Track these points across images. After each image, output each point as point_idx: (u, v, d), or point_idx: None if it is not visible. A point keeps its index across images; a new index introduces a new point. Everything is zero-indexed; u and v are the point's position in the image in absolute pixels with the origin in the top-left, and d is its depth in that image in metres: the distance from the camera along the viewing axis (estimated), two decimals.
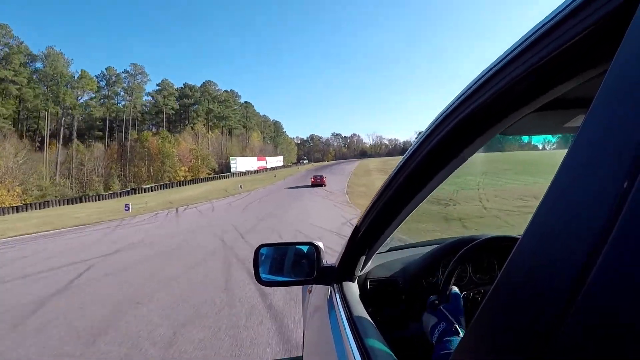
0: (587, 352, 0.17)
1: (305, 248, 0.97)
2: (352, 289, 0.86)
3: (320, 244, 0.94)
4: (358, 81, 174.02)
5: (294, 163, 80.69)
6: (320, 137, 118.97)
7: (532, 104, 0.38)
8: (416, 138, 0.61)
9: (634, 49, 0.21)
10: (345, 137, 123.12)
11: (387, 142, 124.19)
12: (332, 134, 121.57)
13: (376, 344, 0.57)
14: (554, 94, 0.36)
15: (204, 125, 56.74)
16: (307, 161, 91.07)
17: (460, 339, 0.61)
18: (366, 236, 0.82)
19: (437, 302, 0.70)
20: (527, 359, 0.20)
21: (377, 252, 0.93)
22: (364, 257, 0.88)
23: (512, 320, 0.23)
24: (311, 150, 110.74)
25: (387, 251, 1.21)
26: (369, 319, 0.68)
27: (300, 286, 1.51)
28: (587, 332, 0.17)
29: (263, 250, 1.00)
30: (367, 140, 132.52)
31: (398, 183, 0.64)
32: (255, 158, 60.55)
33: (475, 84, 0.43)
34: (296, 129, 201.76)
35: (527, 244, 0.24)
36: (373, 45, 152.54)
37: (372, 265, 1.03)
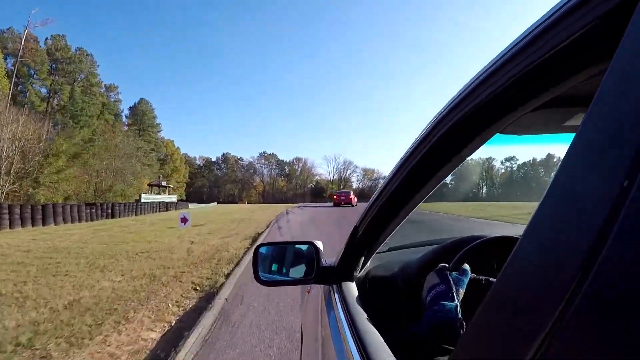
0: (587, 352, 0.17)
1: (304, 248, 0.97)
2: (351, 288, 0.86)
3: (320, 244, 0.94)
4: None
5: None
6: (241, 159, 68.13)
7: (531, 102, 0.38)
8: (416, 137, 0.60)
9: (633, 47, 0.20)
10: (282, 161, 69.36)
11: (359, 172, 70.85)
12: (260, 155, 68.40)
13: (375, 344, 0.56)
14: (554, 93, 0.36)
15: None
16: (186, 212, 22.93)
17: (454, 305, 0.63)
18: (365, 236, 0.82)
19: (446, 268, 0.71)
20: (527, 358, 0.20)
21: (376, 251, 0.93)
22: (363, 257, 0.88)
23: (512, 320, 0.23)
24: (220, 180, 65.37)
25: (387, 251, 1.22)
26: (368, 319, 0.68)
27: (299, 286, 1.48)
28: (588, 332, 0.17)
29: (262, 250, 1.00)
30: (327, 169, 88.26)
31: (397, 182, 0.64)
32: None
33: (474, 82, 0.43)
34: (200, 146, 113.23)
35: (527, 244, 0.24)
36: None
37: (372, 265, 1.03)
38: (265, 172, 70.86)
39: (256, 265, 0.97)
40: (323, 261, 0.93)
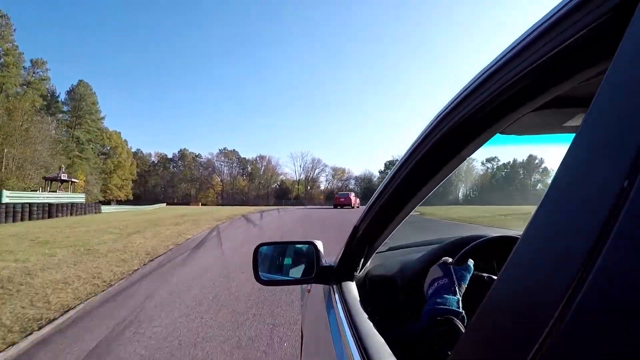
0: (587, 352, 0.17)
1: (304, 247, 0.97)
2: (351, 288, 0.86)
3: (320, 243, 0.94)
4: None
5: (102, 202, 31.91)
6: (199, 156, 62.53)
7: (531, 102, 0.38)
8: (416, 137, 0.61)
9: (633, 47, 0.21)
10: (244, 159, 63.05)
11: (328, 172, 63.99)
12: (220, 151, 62.17)
13: (375, 343, 0.56)
14: (554, 93, 0.36)
15: None
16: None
17: (456, 299, 0.63)
18: (365, 235, 0.82)
19: (450, 263, 0.71)
20: (527, 359, 0.20)
21: (376, 251, 0.93)
22: (363, 257, 0.88)
23: (512, 320, 0.23)
24: (175, 178, 59.60)
25: (387, 250, 1.22)
26: (368, 318, 0.68)
27: (299, 285, 1.49)
28: (588, 332, 0.17)
29: (262, 250, 1.00)
30: (293, 168, 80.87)
31: (397, 182, 0.64)
32: None
33: (474, 82, 0.43)
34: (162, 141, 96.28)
35: (527, 243, 0.24)
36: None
37: (372, 264, 1.03)
38: (226, 171, 63.86)
39: (256, 264, 0.96)
40: (323, 261, 0.93)
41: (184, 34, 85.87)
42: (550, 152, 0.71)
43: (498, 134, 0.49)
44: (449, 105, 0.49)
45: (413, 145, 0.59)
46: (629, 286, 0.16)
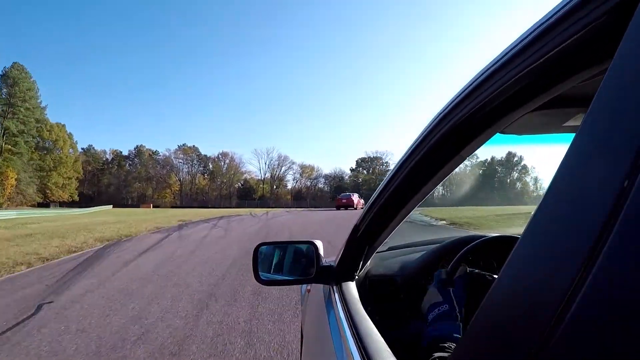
0: (587, 352, 0.17)
1: (304, 247, 0.97)
2: (351, 288, 0.86)
3: (319, 243, 0.93)
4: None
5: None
6: (156, 153, 57.41)
7: (531, 102, 0.39)
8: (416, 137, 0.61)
9: (633, 47, 0.21)
10: (205, 156, 58.06)
11: (296, 169, 59.35)
12: (179, 147, 57.15)
13: (375, 343, 0.56)
14: (554, 93, 0.36)
15: None
16: None
17: (457, 325, 0.62)
18: (365, 235, 0.82)
19: (445, 279, 0.71)
20: (527, 358, 0.20)
21: (376, 251, 0.93)
22: (363, 256, 0.88)
23: (511, 320, 0.23)
24: (129, 177, 54.63)
25: (387, 250, 1.22)
26: (368, 318, 0.68)
27: (299, 285, 1.48)
28: (587, 332, 0.17)
29: (262, 249, 1.00)
30: (257, 166, 69.66)
31: (397, 182, 0.64)
32: None
33: (474, 82, 0.43)
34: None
35: (527, 243, 0.24)
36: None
37: (372, 264, 1.03)
38: (185, 169, 58.57)
39: (256, 264, 0.96)
40: (323, 261, 0.93)
41: (146, 24, 79.59)
42: (550, 152, 0.73)
43: (498, 134, 0.49)
44: (449, 105, 0.49)
45: (413, 145, 0.58)
46: (629, 286, 0.16)
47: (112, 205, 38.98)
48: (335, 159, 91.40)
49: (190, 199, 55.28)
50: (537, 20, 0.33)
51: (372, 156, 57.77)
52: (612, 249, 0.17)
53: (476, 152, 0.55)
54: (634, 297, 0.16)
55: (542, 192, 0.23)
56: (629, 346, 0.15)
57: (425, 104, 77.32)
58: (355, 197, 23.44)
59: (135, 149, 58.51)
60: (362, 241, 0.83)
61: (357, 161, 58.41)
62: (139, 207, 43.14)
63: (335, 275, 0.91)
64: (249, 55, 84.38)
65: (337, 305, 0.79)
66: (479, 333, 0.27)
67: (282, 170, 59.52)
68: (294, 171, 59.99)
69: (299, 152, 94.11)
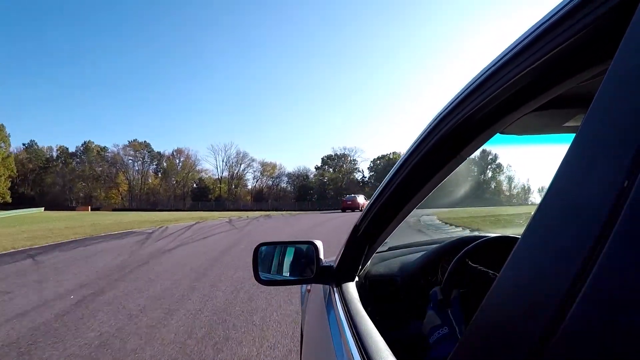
0: (587, 352, 0.17)
1: (304, 247, 0.96)
2: (351, 288, 0.85)
3: (319, 243, 0.93)
4: None
5: None
6: (105, 149, 52.56)
7: (531, 102, 0.39)
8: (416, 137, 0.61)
9: (633, 47, 0.20)
10: (159, 153, 53.52)
11: (256, 167, 55.49)
12: (129, 143, 52.24)
13: (375, 343, 0.56)
14: (554, 93, 0.36)
15: None
16: None
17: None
18: (366, 235, 0.81)
19: (442, 300, 0.72)
20: (527, 358, 0.20)
21: (376, 251, 0.92)
22: (363, 257, 0.88)
23: (511, 320, 0.23)
24: (72, 176, 48.56)
25: (387, 250, 1.21)
26: (368, 318, 0.67)
27: (299, 285, 1.46)
28: (587, 332, 0.17)
29: (262, 249, 1.00)
30: (214, 163, 68.10)
31: (397, 182, 0.64)
32: None
33: (474, 82, 0.43)
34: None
35: (527, 244, 0.24)
36: None
37: (372, 264, 1.03)
38: (137, 167, 52.66)
39: (256, 264, 0.96)
40: (323, 261, 0.92)
41: (95, 15, 72.33)
42: (550, 152, 0.72)
43: (498, 134, 0.49)
44: (449, 105, 0.49)
45: (413, 145, 0.58)
46: (629, 286, 0.16)
47: (43, 208, 35.52)
48: (300, 156, 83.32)
49: (141, 200, 50.52)
50: (538, 20, 0.32)
51: (339, 153, 54.82)
52: (612, 249, 0.17)
53: (476, 152, 0.54)
54: (634, 297, 0.16)
55: (542, 192, 0.23)
56: (629, 346, 0.15)
57: (399, 100, 76.88)
58: (360, 199, 23.82)
59: (82, 145, 52.84)
60: (362, 241, 0.83)
61: (322, 159, 55.44)
62: (75, 209, 39.19)
63: (335, 276, 0.91)
64: (209, 49, 79.65)
65: (337, 306, 0.79)
66: (479, 333, 0.27)
67: (241, 168, 55.11)
68: (255, 169, 55.80)
69: (260, 149, 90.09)
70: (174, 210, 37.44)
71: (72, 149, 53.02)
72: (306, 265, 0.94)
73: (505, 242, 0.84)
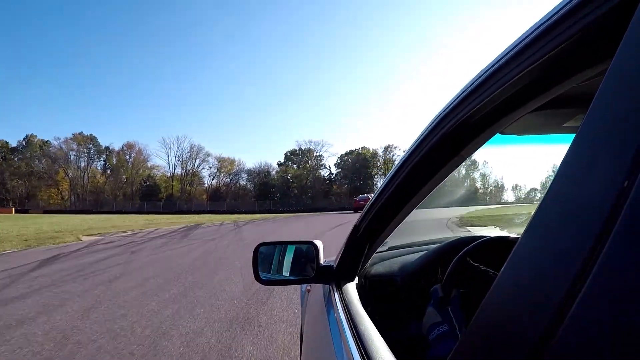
0: (587, 352, 0.17)
1: (304, 247, 0.96)
2: (351, 288, 0.85)
3: (319, 243, 0.93)
4: None
5: None
6: (47, 143, 46.55)
7: (531, 103, 0.39)
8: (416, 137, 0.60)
9: (633, 47, 0.20)
10: (107, 148, 48.60)
11: (212, 163, 51.05)
12: (73, 136, 46.57)
13: (375, 343, 0.56)
14: (554, 93, 0.36)
15: None
16: None
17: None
18: (365, 235, 0.81)
19: (442, 297, 0.72)
20: (527, 358, 0.20)
21: (376, 251, 0.92)
22: (363, 257, 0.87)
23: (511, 320, 0.23)
24: (6, 173, 42.14)
25: (387, 250, 1.21)
26: (368, 318, 0.67)
27: (299, 285, 1.46)
28: (587, 332, 0.17)
29: (262, 249, 0.99)
30: (166, 159, 59.63)
31: (397, 182, 0.64)
32: None
33: (474, 82, 0.43)
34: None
35: (526, 244, 0.24)
36: None
37: (372, 264, 1.02)
38: (82, 163, 46.59)
39: (256, 264, 0.96)
40: (323, 261, 0.92)
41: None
42: (550, 152, 0.73)
43: (498, 134, 0.49)
44: (449, 105, 0.49)
45: (413, 145, 0.58)
46: (629, 286, 0.16)
47: None
48: (260, 151, 79.79)
49: (84, 200, 45.07)
50: (538, 20, 0.32)
51: (304, 148, 49.87)
52: (612, 249, 0.17)
53: (476, 152, 0.54)
54: (634, 297, 0.16)
55: (542, 192, 0.23)
56: (629, 346, 0.15)
57: (371, 92, 71.27)
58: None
59: (24, 139, 46.90)
60: (362, 241, 0.83)
61: (286, 154, 50.68)
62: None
63: (335, 276, 0.90)
64: (164, 35, 70.15)
65: (337, 306, 0.79)
66: (479, 333, 0.27)
67: (195, 164, 49.33)
68: (211, 165, 50.17)
69: (216, 143, 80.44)
70: (115, 213, 32.85)
71: (14, 144, 47.13)
72: (306, 265, 0.94)
73: (505, 242, 0.85)
